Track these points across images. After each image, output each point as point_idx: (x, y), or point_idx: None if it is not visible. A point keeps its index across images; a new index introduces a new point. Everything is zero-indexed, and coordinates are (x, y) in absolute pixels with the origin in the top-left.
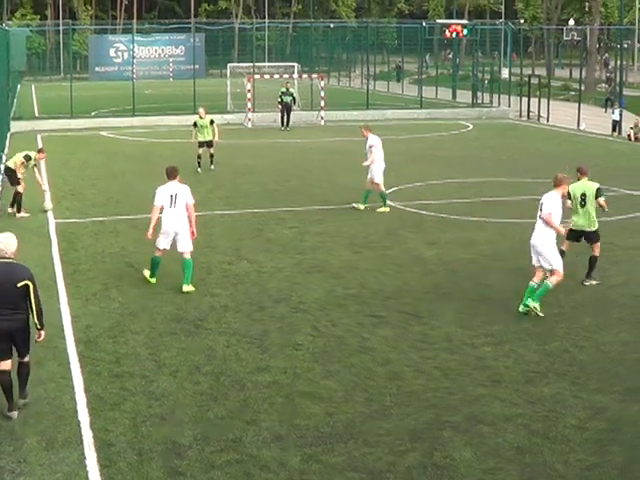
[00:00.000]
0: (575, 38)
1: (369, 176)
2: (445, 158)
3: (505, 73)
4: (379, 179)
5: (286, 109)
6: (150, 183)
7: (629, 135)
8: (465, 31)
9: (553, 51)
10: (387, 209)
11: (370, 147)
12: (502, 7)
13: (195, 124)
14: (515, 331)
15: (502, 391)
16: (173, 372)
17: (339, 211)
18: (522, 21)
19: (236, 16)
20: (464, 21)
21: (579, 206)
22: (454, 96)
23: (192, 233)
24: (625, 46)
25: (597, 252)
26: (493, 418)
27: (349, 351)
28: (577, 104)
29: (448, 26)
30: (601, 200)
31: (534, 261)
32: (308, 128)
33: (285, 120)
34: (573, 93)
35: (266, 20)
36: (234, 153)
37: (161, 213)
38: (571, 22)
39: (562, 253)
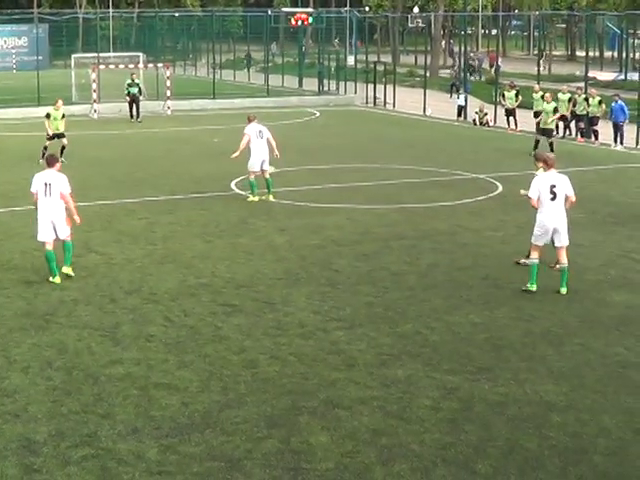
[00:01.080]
0: (420, 25)
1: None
2: (293, 146)
3: (351, 60)
4: (251, 167)
5: (134, 100)
6: None
7: (474, 120)
8: (311, 19)
9: (398, 38)
10: (255, 199)
11: (243, 135)
12: None
13: (48, 115)
14: (367, 315)
15: (357, 374)
16: (24, 368)
17: (188, 201)
18: (367, 9)
19: (80, 6)
20: (309, 9)
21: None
22: (300, 84)
23: (74, 220)
24: (469, 32)
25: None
26: (349, 402)
27: (203, 341)
28: (423, 90)
29: (294, 14)
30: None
31: (543, 242)
32: (155, 118)
33: (135, 111)
34: (418, 79)
35: (110, 10)
36: (81, 144)
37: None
38: (416, 9)
39: None
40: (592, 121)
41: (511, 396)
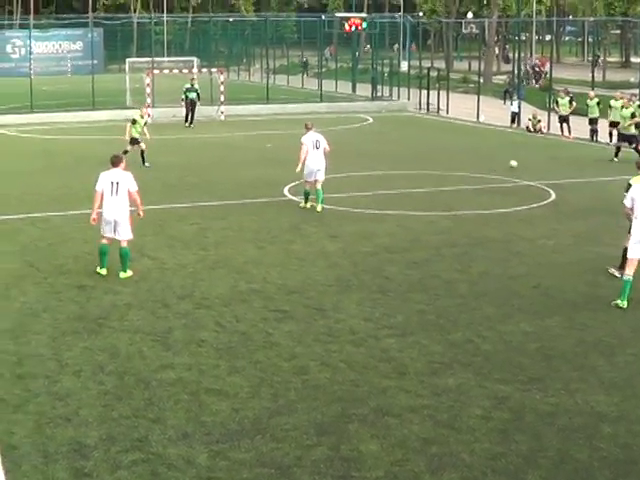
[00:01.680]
0: (474, 31)
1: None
2: (345, 152)
3: (404, 66)
4: (305, 177)
5: (191, 105)
6: (52, 181)
7: (527, 127)
8: (364, 24)
9: (452, 44)
10: (307, 205)
11: (301, 145)
12: (401, 0)
13: (134, 121)
14: (418, 322)
15: (407, 383)
16: (76, 372)
17: (240, 206)
18: (421, 14)
19: (134, 10)
20: (363, 14)
21: None
22: (354, 89)
23: (138, 215)
24: (523, 38)
25: None
26: (399, 410)
27: (254, 347)
28: (476, 96)
29: (347, 19)
30: None
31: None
32: (208, 123)
33: (190, 116)
34: (472, 85)
35: (165, 14)
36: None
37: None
38: (469, 15)
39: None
40: None
41: (562, 406)
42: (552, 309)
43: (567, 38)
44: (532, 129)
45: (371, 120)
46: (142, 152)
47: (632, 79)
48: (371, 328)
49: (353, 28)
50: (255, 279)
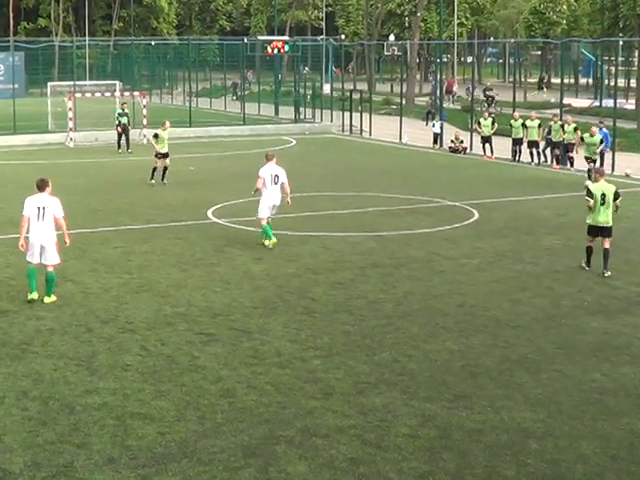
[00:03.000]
0: (396, 53)
1: None
2: None
3: (327, 88)
4: (260, 213)
5: (124, 130)
6: None
7: (450, 147)
8: (287, 47)
9: (374, 66)
10: (272, 242)
11: (257, 177)
12: (323, 23)
13: (156, 135)
14: (344, 343)
15: (334, 403)
16: (0, 398)
17: (164, 229)
18: (343, 37)
19: (56, 34)
20: (285, 37)
21: (600, 204)
22: (277, 112)
23: (65, 243)
24: (445, 60)
25: (608, 245)
26: (326, 430)
27: (179, 370)
28: (399, 118)
29: (270, 42)
30: (618, 202)
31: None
32: (132, 146)
33: (126, 141)
34: (395, 107)
35: (87, 38)
36: (57, 173)
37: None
38: (391, 37)
39: (590, 250)
40: (567, 148)
41: (488, 423)
42: (476, 327)
43: (488, 60)
44: (454, 149)
45: (294, 142)
46: (165, 168)
47: (552, 99)
48: (297, 349)
49: (275, 51)
50: (180, 302)
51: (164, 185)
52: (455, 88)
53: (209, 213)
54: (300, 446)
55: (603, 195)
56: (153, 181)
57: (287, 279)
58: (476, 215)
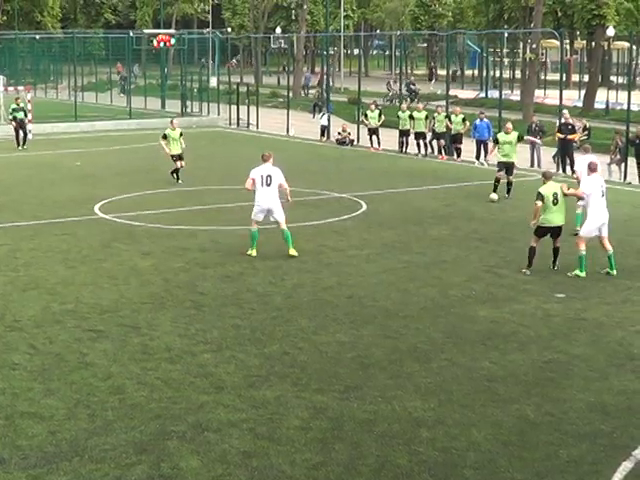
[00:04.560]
0: (282, 46)
1: None
2: (155, 168)
3: (213, 82)
4: (252, 216)
5: (20, 125)
6: None
7: (337, 139)
8: (173, 40)
9: (261, 59)
10: (253, 253)
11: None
12: (209, 16)
13: (165, 136)
14: (234, 337)
15: (225, 397)
16: None
17: (51, 226)
18: (229, 30)
19: None
20: (172, 31)
21: (552, 205)
22: (163, 106)
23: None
24: (331, 53)
25: (559, 244)
26: (218, 424)
27: (69, 368)
28: (286, 110)
29: (156, 36)
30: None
31: (595, 234)
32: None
33: (23, 137)
34: (281, 100)
35: None
36: None
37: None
38: (278, 30)
39: (533, 251)
40: (455, 138)
41: (380, 413)
42: (366, 318)
43: (375, 52)
44: (342, 142)
45: (161, 136)
46: (177, 170)
47: (439, 91)
48: (187, 344)
49: (162, 44)
50: (67, 299)
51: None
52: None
53: (96, 209)
54: (192, 441)
55: (555, 194)
56: (180, 181)
57: (175, 274)
58: (364, 207)
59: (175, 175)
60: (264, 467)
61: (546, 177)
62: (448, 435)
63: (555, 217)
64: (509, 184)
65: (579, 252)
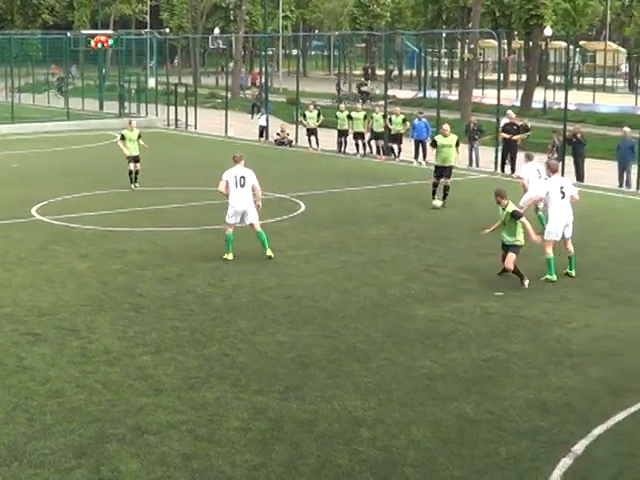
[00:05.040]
0: (221, 46)
1: None
2: (92, 169)
3: (152, 82)
4: (226, 219)
5: None
6: None
7: (276, 140)
8: (111, 41)
9: (199, 60)
10: (229, 257)
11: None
12: (148, 17)
13: (123, 137)
14: (173, 338)
15: (165, 399)
16: None
17: None
18: (168, 30)
19: None
20: (109, 31)
21: (502, 224)
22: (101, 107)
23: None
24: (270, 53)
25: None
26: (158, 427)
27: (6, 372)
28: (224, 111)
29: (93, 37)
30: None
31: (560, 237)
32: None
33: None
34: (220, 100)
35: None
36: None
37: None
38: (216, 31)
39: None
40: (395, 138)
41: (320, 413)
42: (305, 318)
43: (313, 52)
44: (280, 142)
45: (119, 137)
46: (137, 171)
47: (378, 91)
48: (125, 347)
49: (100, 45)
50: (4, 302)
51: (136, 189)
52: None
53: (33, 211)
54: (132, 444)
55: (507, 214)
56: (137, 184)
57: (114, 276)
58: (302, 207)
59: (133, 178)
60: (204, 469)
61: (500, 197)
62: (388, 434)
63: (505, 235)
64: (446, 188)
65: (546, 255)
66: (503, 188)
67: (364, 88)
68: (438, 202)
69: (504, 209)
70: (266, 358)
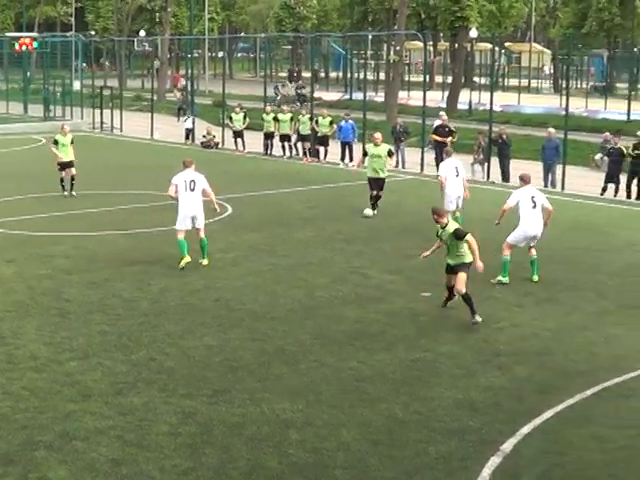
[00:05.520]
0: (147, 49)
1: None
2: (16, 174)
3: (77, 85)
4: (176, 225)
5: None
6: None
7: (202, 142)
8: (35, 44)
9: (125, 62)
10: (187, 259)
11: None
12: (73, 19)
13: (56, 142)
14: (100, 343)
15: (93, 405)
16: None
17: None
18: (93, 33)
19: None
20: (34, 34)
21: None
22: (26, 110)
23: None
24: (196, 55)
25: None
26: (86, 433)
27: None
28: (150, 114)
29: (17, 39)
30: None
31: (524, 244)
32: None
33: None
34: (146, 103)
35: None
36: None
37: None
38: (142, 33)
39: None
40: (322, 140)
41: (249, 416)
42: (233, 321)
43: (239, 55)
44: (206, 145)
45: (44, 141)
46: (72, 177)
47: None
48: (52, 352)
49: (24, 48)
50: None
51: (73, 197)
52: (181, 83)
53: None
54: (60, 450)
55: (448, 235)
56: (66, 193)
57: (40, 281)
58: (229, 210)
59: (65, 186)
60: (133, 474)
61: (439, 216)
62: (318, 436)
63: (450, 258)
64: (377, 198)
65: (503, 257)
66: (440, 207)
67: (300, 91)
68: (369, 211)
69: (444, 229)
70: (194, 362)
